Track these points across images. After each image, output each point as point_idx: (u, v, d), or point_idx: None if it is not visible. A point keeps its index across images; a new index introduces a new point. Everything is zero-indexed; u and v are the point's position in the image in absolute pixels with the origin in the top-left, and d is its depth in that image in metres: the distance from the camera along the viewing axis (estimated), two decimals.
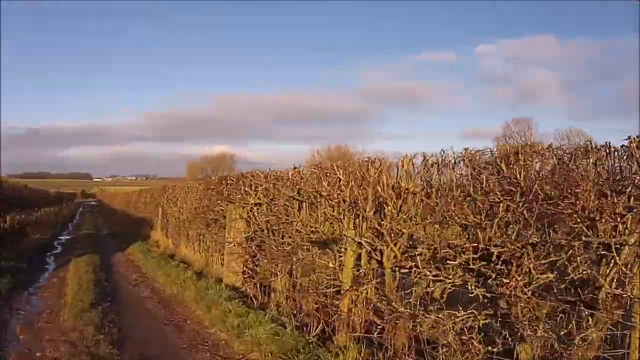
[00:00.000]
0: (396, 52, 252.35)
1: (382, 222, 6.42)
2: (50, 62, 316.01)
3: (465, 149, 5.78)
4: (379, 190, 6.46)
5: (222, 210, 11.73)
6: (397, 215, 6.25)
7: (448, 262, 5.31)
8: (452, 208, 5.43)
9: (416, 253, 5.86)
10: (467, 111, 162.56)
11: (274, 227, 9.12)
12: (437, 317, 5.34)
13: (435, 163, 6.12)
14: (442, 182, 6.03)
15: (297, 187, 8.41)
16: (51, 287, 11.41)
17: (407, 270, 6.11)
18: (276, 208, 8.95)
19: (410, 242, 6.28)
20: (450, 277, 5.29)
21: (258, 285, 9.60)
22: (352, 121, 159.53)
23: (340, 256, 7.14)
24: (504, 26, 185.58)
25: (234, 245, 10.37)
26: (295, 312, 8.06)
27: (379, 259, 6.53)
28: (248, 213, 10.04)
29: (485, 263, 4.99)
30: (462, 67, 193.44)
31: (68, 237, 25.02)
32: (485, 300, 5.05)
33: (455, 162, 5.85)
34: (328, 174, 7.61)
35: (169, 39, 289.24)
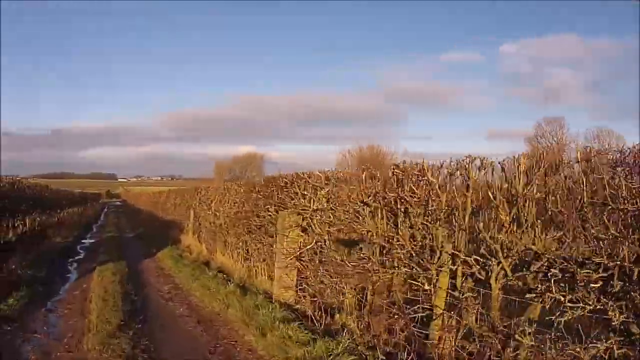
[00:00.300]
0: (420, 52, 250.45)
1: (492, 234, 5.27)
2: (72, 62, 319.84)
3: (586, 147, 5.15)
4: (490, 195, 5.31)
5: (270, 216, 10.44)
6: (510, 226, 5.15)
7: (588, 283, 4.35)
8: (589, 217, 4.58)
9: (549, 273, 4.64)
10: (491, 111, 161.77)
11: (340, 237, 7.78)
12: (570, 349, 4.34)
13: (550, 164, 5.19)
14: (560, 186, 5.12)
15: (373, 190, 7.08)
16: (73, 302, 10.10)
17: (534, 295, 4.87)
18: (346, 215, 7.58)
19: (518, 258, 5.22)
20: (591, 302, 4.32)
21: (316, 304, 8.22)
22: (375, 122, 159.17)
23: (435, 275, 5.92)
24: (527, 26, 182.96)
25: (288, 257, 9.02)
26: (370, 337, 6.73)
27: (483, 277, 5.47)
28: (307, 220, 8.68)
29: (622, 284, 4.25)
30: (486, 67, 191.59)
31: (92, 241, 23.86)
32: (621, 327, 4.26)
33: (579, 162, 4.92)
34: (413, 176, 6.38)
35: (193, 38, 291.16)
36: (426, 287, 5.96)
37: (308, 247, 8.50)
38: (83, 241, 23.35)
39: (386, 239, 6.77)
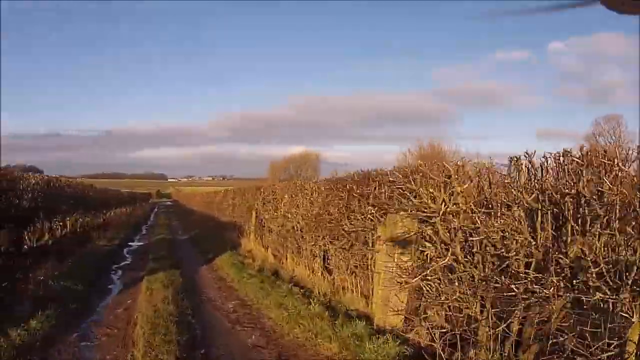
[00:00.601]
0: (469, 51, 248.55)
1: None
2: (125, 63, 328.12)
3: None
4: None
5: (364, 218, 8.36)
6: None
7: None
8: None
9: None
10: (540, 111, 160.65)
11: (488, 250, 5.77)
12: None
13: None
14: None
15: (541, 186, 5.44)
16: (113, 326, 8.17)
17: None
18: (497, 221, 5.55)
19: None
20: None
21: (437, 334, 6.16)
22: (427, 122, 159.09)
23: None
24: (574, 24, 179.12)
25: (400, 273, 6.93)
26: None
27: None
28: (431, 226, 6.53)
29: None
30: (535, 66, 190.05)
31: (140, 244, 22.18)
32: None
33: None
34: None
35: (244, 39, 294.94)
36: (634, 319, 4.47)
37: (442, 263, 6.26)
38: (130, 244, 21.69)
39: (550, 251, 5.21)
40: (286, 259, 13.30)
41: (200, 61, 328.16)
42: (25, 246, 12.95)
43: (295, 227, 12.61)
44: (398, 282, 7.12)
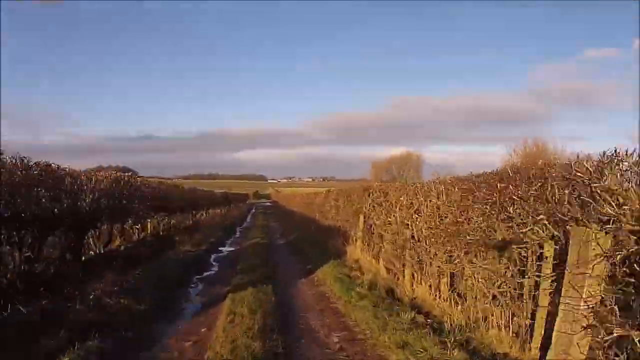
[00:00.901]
0: (562, 51, 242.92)
1: None
2: (225, 67, 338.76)
3: None
4: None
5: (530, 231, 6.00)
6: None
7: None
8: None
9: None
10: (633, 110, 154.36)
11: None
12: None
13: None
14: None
15: None
16: None
17: None
18: None
19: None
20: None
21: None
22: (522, 122, 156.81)
23: None
24: None
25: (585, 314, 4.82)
26: None
27: None
28: None
29: None
30: (625, 63, 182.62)
31: (231, 249, 20.38)
32: None
33: None
34: None
35: (342, 38, 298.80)
36: None
37: None
38: (220, 249, 19.96)
39: None
40: (403, 275, 11.06)
41: (295, 62, 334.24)
42: (92, 252, 11.37)
43: (415, 237, 10.33)
44: (585, 327, 4.78)
